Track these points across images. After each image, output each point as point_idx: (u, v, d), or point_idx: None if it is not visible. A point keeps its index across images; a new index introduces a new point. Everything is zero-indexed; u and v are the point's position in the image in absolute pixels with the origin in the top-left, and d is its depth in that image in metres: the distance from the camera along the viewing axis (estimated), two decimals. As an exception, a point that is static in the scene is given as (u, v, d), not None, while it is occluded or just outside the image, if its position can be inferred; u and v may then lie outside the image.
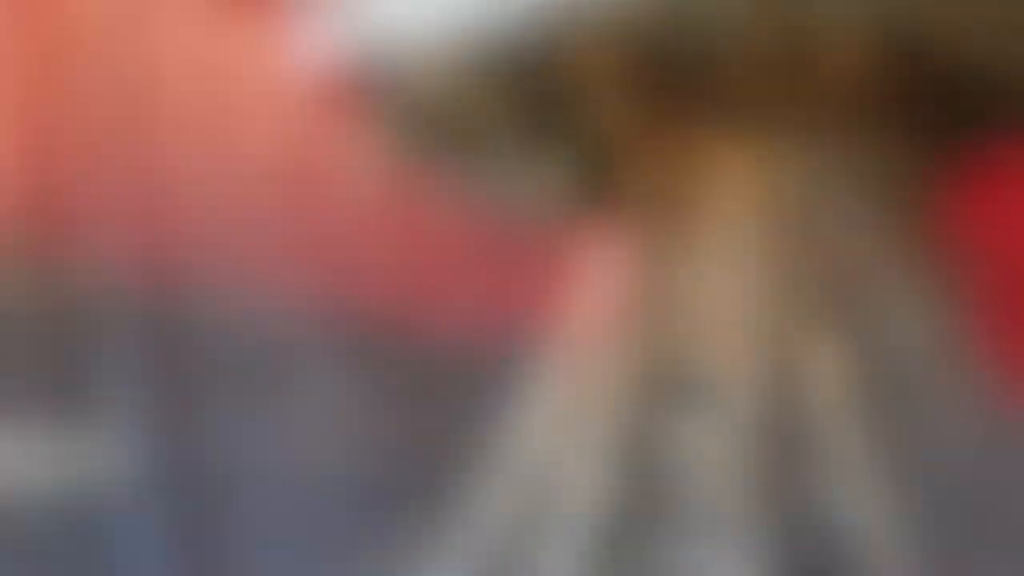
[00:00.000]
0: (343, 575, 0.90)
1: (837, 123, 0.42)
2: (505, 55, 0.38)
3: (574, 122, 0.45)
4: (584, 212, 0.45)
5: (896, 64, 0.36)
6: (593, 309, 0.48)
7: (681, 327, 0.45)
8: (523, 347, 0.72)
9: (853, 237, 0.44)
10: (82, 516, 0.94)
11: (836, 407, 0.43)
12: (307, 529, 0.98)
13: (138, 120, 0.96)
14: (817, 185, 0.43)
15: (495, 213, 0.61)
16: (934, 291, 0.46)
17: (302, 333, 0.97)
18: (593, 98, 0.43)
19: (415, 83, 0.43)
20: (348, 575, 0.88)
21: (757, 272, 0.44)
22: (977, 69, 0.37)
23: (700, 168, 0.45)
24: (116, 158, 0.95)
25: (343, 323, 1.00)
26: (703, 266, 0.45)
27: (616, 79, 0.40)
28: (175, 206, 0.95)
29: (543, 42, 0.37)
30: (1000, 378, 0.48)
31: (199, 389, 0.98)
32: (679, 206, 0.45)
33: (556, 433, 0.47)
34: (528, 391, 0.53)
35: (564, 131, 0.46)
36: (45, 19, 0.95)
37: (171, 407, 0.98)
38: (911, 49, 0.35)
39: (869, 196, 0.43)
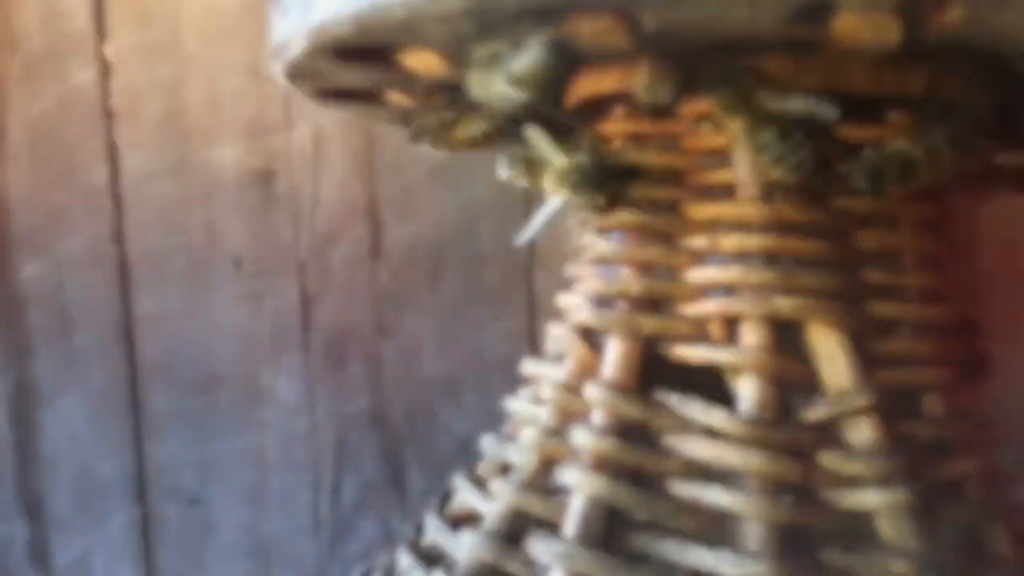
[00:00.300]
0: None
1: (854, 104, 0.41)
2: (504, 25, 0.36)
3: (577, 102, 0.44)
4: (589, 199, 0.44)
5: (919, 42, 0.35)
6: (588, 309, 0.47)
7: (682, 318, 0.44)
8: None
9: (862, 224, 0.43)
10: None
11: (836, 392, 0.42)
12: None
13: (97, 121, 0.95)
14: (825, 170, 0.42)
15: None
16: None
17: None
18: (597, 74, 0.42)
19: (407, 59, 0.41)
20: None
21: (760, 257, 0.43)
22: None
23: (712, 150, 0.44)
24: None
25: (311, 344, 0.99)
26: (705, 252, 0.44)
27: (621, 52, 0.39)
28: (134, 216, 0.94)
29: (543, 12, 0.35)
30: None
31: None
32: (686, 189, 0.44)
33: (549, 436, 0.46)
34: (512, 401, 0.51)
35: (566, 111, 0.45)
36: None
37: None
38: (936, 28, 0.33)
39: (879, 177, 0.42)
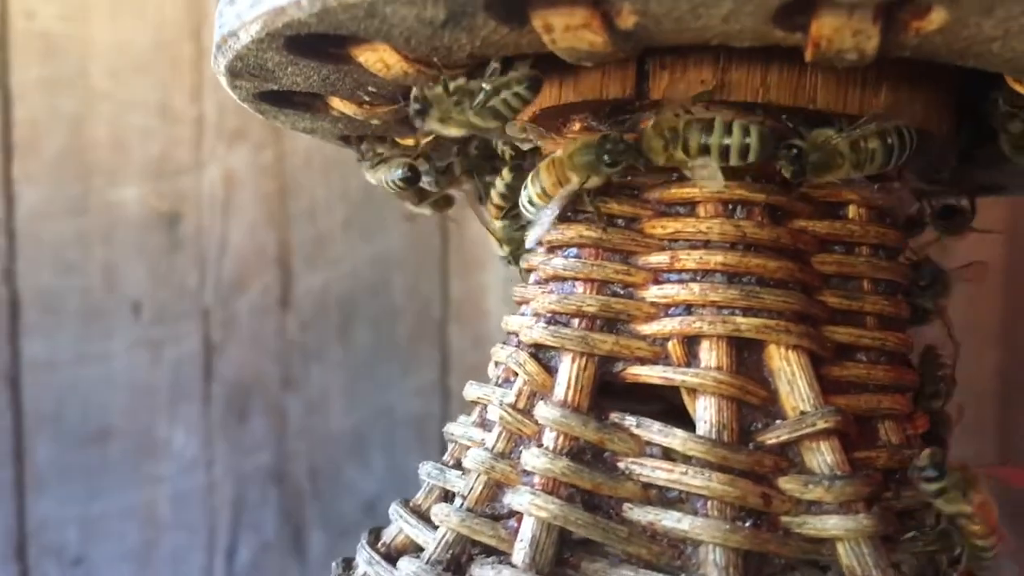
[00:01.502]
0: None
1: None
2: (474, 13, 0.35)
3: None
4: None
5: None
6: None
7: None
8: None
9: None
10: None
11: (796, 414, 0.41)
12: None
13: None
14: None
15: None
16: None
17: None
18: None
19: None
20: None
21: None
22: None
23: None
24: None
25: (212, 395, 0.96)
26: (665, 269, 0.43)
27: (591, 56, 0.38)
28: (28, 254, 0.90)
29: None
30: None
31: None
32: (645, 204, 0.43)
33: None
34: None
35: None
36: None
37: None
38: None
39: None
